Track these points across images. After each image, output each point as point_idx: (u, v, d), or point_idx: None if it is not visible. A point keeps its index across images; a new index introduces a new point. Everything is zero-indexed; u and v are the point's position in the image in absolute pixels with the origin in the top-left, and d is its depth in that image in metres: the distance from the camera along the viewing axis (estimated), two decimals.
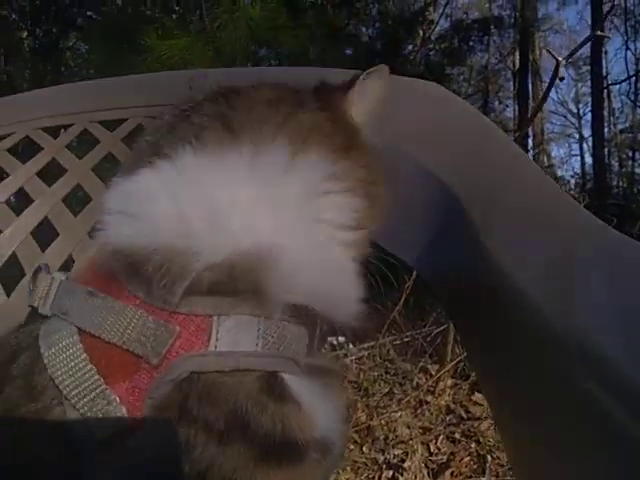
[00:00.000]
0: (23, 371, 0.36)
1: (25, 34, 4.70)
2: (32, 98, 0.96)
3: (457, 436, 2.03)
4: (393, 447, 1.92)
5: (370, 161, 0.43)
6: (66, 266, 0.83)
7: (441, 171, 0.57)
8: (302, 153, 0.37)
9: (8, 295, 0.82)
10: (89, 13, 4.29)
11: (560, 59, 1.31)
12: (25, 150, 0.91)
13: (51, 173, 0.89)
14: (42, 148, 0.88)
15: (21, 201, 0.86)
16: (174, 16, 3.50)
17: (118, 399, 0.33)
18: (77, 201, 0.89)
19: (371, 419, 2.06)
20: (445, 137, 0.61)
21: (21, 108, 0.92)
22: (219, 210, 0.35)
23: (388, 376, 2.38)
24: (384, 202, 0.44)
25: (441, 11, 5.66)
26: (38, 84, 3.96)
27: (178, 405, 0.33)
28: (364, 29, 4.29)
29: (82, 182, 0.86)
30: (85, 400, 0.33)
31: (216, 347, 0.33)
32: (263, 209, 0.36)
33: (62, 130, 0.90)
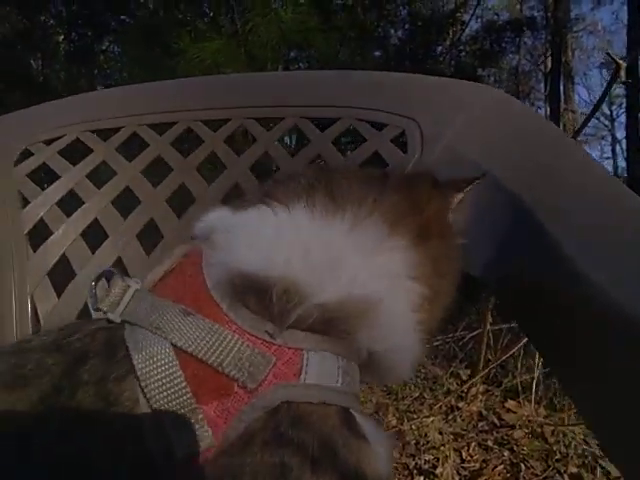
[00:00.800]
0: (96, 377, 0.36)
1: (61, 38, 4.84)
2: (80, 102, 0.97)
3: (490, 443, 1.99)
4: (424, 452, 1.90)
5: (447, 255, 0.48)
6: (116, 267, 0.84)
7: (506, 177, 0.55)
8: (393, 232, 0.42)
9: (58, 296, 0.83)
10: (123, 17, 4.38)
11: (621, 62, 1.27)
12: (76, 152, 0.93)
13: (100, 176, 0.90)
14: (92, 150, 0.90)
15: (72, 203, 0.88)
16: (206, 19, 3.54)
17: (206, 420, 0.34)
18: (126, 204, 0.90)
19: (401, 423, 2.04)
20: (511, 142, 0.60)
21: (71, 111, 0.94)
22: (334, 260, 0.39)
23: (419, 380, 2.35)
24: (448, 297, 0.48)
25: (472, 12, 5.59)
26: (73, 87, 4.06)
27: (271, 429, 0.34)
28: (394, 31, 4.26)
29: (131, 185, 0.88)
30: (173, 415, 0.34)
31: (305, 379, 0.35)
32: (364, 270, 0.40)
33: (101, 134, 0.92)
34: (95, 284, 0.44)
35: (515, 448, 1.98)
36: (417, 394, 2.27)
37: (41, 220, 0.86)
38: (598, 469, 1.78)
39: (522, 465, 1.86)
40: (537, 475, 1.84)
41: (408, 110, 0.72)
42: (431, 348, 2.56)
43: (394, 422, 2.08)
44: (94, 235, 0.87)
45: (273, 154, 0.83)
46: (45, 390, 0.35)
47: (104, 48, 5.05)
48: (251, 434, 0.34)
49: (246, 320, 0.37)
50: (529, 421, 2.05)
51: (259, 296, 0.37)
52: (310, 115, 0.81)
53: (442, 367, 2.49)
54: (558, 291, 0.44)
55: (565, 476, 1.79)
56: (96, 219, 0.87)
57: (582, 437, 1.97)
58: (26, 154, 0.91)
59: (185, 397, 0.34)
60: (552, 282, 0.45)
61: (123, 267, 0.84)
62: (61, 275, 0.86)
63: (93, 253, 0.85)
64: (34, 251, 0.85)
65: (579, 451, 1.88)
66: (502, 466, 1.89)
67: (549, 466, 1.85)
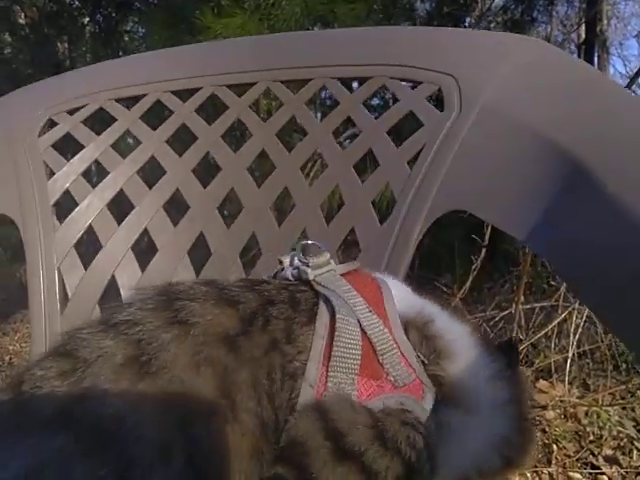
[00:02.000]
0: (284, 316, 0.42)
1: (86, 20, 4.85)
2: (101, 70, 0.95)
3: None
4: None
5: None
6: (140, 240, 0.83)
7: (556, 134, 0.51)
8: None
9: (85, 268, 0.82)
10: None
11: None
12: (98, 122, 0.91)
13: (124, 145, 0.88)
14: (115, 119, 0.88)
15: (97, 173, 0.86)
16: None
17: (357, 390, 0.41)
18: (151, 174, 0.88)
19: None
20: (561, 96, 0.55)
21: (93, 80, 0.92)
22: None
23: None
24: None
25: None
26: None
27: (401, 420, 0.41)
28: (421, 1, 4.12)
29: (156, 154, 0.85)
30: (335, 373, 0.41)
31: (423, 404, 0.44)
32: None
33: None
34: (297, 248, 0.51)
35: (547, 429, 1.93)
36: None
37: (67, 191, 0.85)
38: (634, 451, 1.73)
39: (554, 446, 1.82)
40: (570, 456, 1.79)
41: (445, 65, 0.68)
42: None
43: None
44: (119, 206, 0.86)
45: (300, 118, 0.79)
46: (246, 313, 0.41)
47: (128, 29, 5.05)
48: (389, 413, 0.41)
49: (404, 343, 0.44)
50: (561, 402, 2.00)
51: (414, 333, 0.46)
52: (339, 75, 0.76)
53: None
54: (625, 257, 0.39)
55: (599, 457, 1.74)
56: (121, 189, 0.85)
57: (617, 419, 1.91)
58: (50, 125, 0.90)
59: (354, 363, 0.41)
60: (619, 247, 0.41)
61: (149, 238, 0.83)
62: (88, 246, 0.85)
63: (119, 224, 0.83)
64: (60, 223, 0.84)
65: (614, 433, 1.82)
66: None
67: (582, 447, 1.80)
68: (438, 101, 0.67)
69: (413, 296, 0.51)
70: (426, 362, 0.44)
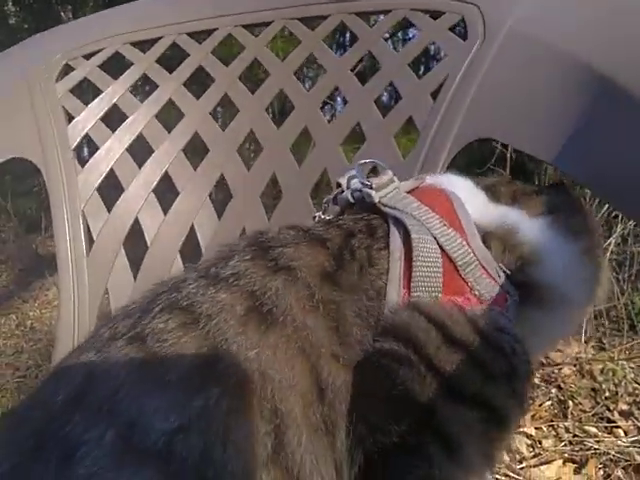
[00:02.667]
0: (364, 245, 0.43)
1: None
2: (116, 14, 0.94)
3: (536, 381, 1.97)
4: None
5: None
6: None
7: (588, 56, 0.49)
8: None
9: (109, 211, 0.83)
10: None
11: None
12: (115, 66, 0.90)
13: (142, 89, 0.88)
14: (132, 63, 0.88)
15: (116, 118, 0.87)
16: None
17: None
18: (169, 117, 0.88)
19: None
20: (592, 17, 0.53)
21: (108, 24, 0.92)
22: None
23: None
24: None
25: None
26: None
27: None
28: None
29: (174, 97, 0.85)
30: (418, 294, 0.41)
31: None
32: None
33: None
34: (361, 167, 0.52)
35: (562, 385, 1.94)
36: None
37: (86, 135, 0.86)
38: None
39: (570, 402, 1.83)
40: (585, 412, 1.81)
41: None
42: None
43: None
44: (139, 149, 0.86)
45: (319, 55, 0.78)
46: (335, 249, 0.42)
47: None
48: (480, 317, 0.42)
49: (483, 253, 0.44)
50: (577, 359, 2.01)
51: (494, 242, 0.45)
52: (357, 10, 0.75)
53: None
54: None
55: (615, 412, 1.76)
56: (141, 133, 0.85)
57: (632, 376, 1.92)
58: (67, 71, 0.89)
59: (437, 282, 0.41)
60: None
61: (170, 181, 0.83)
62: (110, 190, 0.86)
63: (140, 168, 0.84)
64: (82, 167, 0.85)
65: (629, 389, 1.83)
66: (549, 402, 1.86)
67: (598, 403, 1.81)
68: (461, 32, 0.66)
69: (488, 203, 0.50)
70: (509, 273, 0.44)
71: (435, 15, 0.70)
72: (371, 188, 0.47)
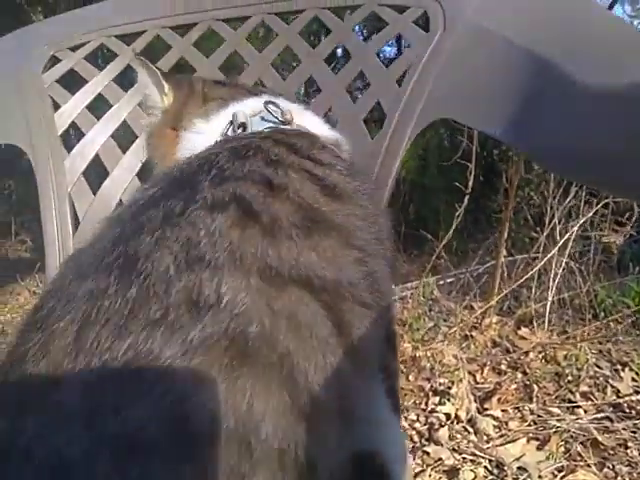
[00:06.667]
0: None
1: None
2: (100, 9, 0.99)
3: (503, 367, 2.05)
4: (439, 376, 1.96)
5: None
6: None
7: (532, 40, 0.57)
8: None
9: (94, 194, 0.87)
10: None
11: None
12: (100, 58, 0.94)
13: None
14: (116, 55, 0.92)
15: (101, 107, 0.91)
16: None
17: None
18: None
19: (416, 350, 2.10)
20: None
21: (93, 18, 0.96)
22: None
23: (433, 313, 2.40)
24: None
25: None
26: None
27: None
28: None
29: None
30: None
31: None
32: None
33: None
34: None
35: (528, 371, 2.03)
36: (431, 324, 2.32)
37: (73, 123, 0.90)
38: (609, 387, 1.84)
39: (535, 386, 1.91)
40: (549, 394, 1.90)
41: None
42: (445, 285, 2.60)
43: (409, 350, 2.13)
44: (123, 136, 0.90)
45: (295, 48, 0.84)
46: None
47: None
48: None
49: None
50: (542, 347, 2.10)
51: None
52: (330, 5, 0.81)
53: (456, 301, 2.53)
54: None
55: (577, 394, 1.85)
56: (125, 121, 0.89)
57: (594, 360, 2.02)
58: (53, 62, 0.93)
59: None
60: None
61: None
62: (95, 175, 0.90)
63: (124, 153, 0.88)
64: (68, 152, 0.89)
65: (590, 373, 1.93)
66: (515, 387, 1.94)
67: (561, 387, 1.90)
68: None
69: None
70: None
71: (401, 10, 0.77)
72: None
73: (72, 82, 0.93)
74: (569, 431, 1.60)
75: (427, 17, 0.74)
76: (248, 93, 0.64)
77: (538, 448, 1.56)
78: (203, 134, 0.60)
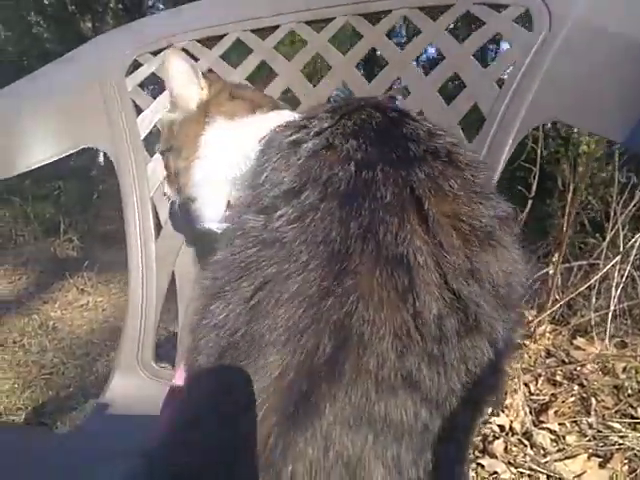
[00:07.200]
0: None
1: None
2: (181, 12, 0.99)
3: (559, 378, 1.98)
4: None
5: None
6: None
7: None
8: None
9: None
10: None
11: None
12: None
13: None
14: (198, 59, 0.92)
15: None
16: None
17: None
18: None
19: None
20: None
21: (175, 21, 0.96)
22: None
23: None
24: None
25: None
26: None
27: None
28: None
29: None
30: None
31: None
32: None
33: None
34: None
35: (585, 383, 1.96)
36: None
37: (155, 126, 0.90)
38: None
39: (592, 399, 1.85)
40: (608, 408, 1.82)
41: None
42: None
43: None
44: None
45: (381, 49, 0.82)
46: None
47: (151, 4, 5.09)
48: None
49: None
50: (599, 357, 2.02)
51: None
52: (421, 4, 0.79)
53: None
54: None
55: (638, 410, 1.77)
56: None
57: None
58: (135, 66, 0.94)
59: None
60: None
61: None
62: None
63: None
64: (151, 156, 0.89)
65: None
66: (572, 399, 1.88)
67: (620, 400, 1.83)
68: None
69: None
70: None
71: (498, 8, 0.74)
72: None
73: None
74: (633, 449, 1.52)
75: (529, 16, 0.71)
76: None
77: (600, 465, 1.49)
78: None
